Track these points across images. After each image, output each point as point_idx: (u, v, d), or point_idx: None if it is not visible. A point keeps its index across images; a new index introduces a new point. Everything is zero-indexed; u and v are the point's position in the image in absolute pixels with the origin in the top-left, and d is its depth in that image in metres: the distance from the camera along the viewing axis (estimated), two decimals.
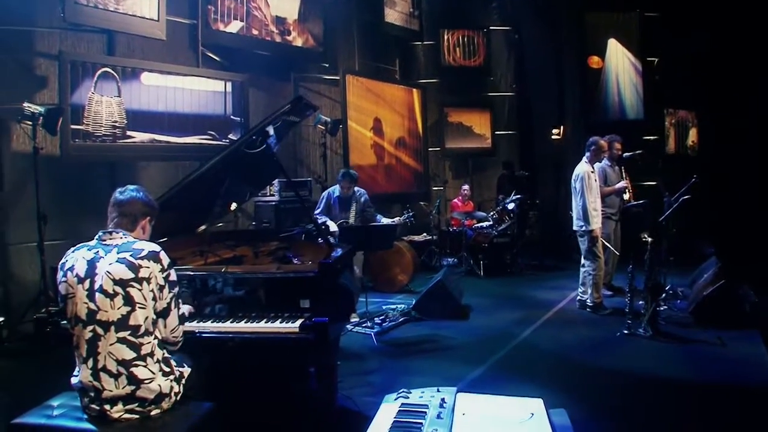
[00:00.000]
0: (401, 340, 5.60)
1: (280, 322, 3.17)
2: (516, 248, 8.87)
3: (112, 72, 5.97)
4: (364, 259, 6.81)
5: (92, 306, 2.51)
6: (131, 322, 2.52)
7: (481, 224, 9.02)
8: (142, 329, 2.54)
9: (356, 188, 6.46)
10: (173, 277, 2.70)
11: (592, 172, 6.16)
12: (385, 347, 5.40)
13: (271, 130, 3.89)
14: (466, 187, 9.77)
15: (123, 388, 2.50)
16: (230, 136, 7.24)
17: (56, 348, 3.43)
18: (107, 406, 2.51)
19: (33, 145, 5.11)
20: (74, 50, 5.97)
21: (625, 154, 6.39)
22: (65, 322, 2.74)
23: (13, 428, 2.62)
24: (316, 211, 6.42)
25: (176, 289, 2.72)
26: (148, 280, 2.56)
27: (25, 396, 3.18)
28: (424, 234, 9.62)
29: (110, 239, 2.63)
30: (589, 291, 6.14)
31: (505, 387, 4.31)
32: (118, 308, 2.50)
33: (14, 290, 5.51)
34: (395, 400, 2.03)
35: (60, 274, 2.62)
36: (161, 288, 2.62)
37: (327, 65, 9.19)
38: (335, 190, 6.43)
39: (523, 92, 10.84)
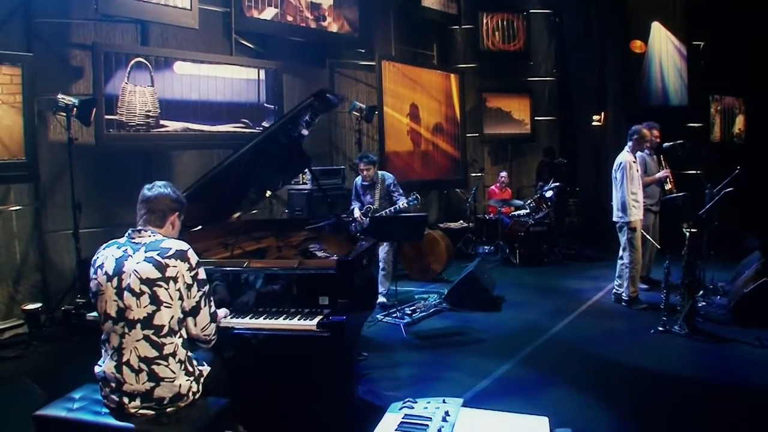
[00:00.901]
0: (430, 332, 5.54)
1: (299, 319, 3.16)
2: (553, 237, 8.65)
3: (145, 62, 6.03)
4: (398, 247, 6.76)
5: (121, 304, 2.54)
6: (155, 321, 2.53)
7: (518, 212, 8.84)
8: (166, 329, 2.55)
9: (381, 172, 6.44)
10: (202, 275, 2.68)
11: (634, 161, 5.92)
12: (414, 339, 5.34)
13: (305, 131, 3.86)
14: (503, 174, 9.58)
15: (143, 383, 2.53)
16: (264, 123, 7.23)
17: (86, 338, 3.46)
18: (126, 399, 2.55)
19: (68, 135, 5.20)
20: (109, 41, 6.06)
21: (666, 144, 6.10)
22: (93, 314, 2.77)
23: (36, 420, 2.68)
24: (352, 200, 6.51)
25: (206, 288, 2.70)
26: (175, 279, 2.56)
27: (55, 382, 3.23)
28: (461, 221, 9.51)
29: (139, 237, 2.64)
30: (626, 284, 5.93)
31: (531, 385, 4.22)
32: (144, 307, 2.52)
33: (51, 277, 5.68)
34: (399, 410, 1.98)
35: (91, 270, 2.66)
36: (189, 287, 2.62)
37: (363, 51, 9.10)
38: (360, 177, 6.44)
39: (564, 77, 10.51)
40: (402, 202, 6.21)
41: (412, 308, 6.17)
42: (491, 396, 4.04)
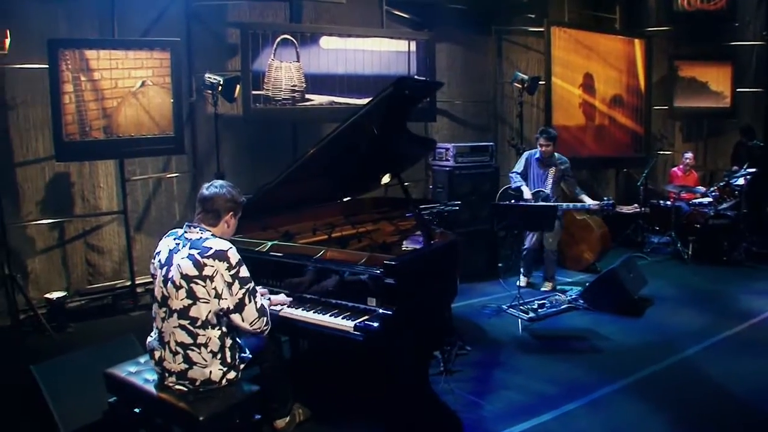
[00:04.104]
0: (550, 333, 5.12)
1: (342, 318, 3.10)
2: (738, 233, 7.29)
3: (291, 38, 6.24)
4: None
5: (165, 292, 2.74)
6: (192, 313, 2.68)
7: (700, 200, 7.63)
8: (201, 321, 2.69)
9: (558, 154, 6.08)
10: (244, 273, 2.75)
11: None
12: (528, 339, 4.99)
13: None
14: (688, 155, 8.29)
15: (179, 364, 2.73)
16: None
17: None
18: (166, 374, 2.79)
19: (214, 112, 5.60)
20: (261, 19, 6.39)
21: None
22: None
23: (106, 376, 3.03)
24: (514, 171, 6.21)
25: (249, 285, 2.77)
26: (212, 278, 2.66)
27: None
28: (635, 205, 8.50)
29: (189, 233, 2.80)
30: None
31: (622, 420, 3.63)
32: (181, 300, 2.69)
33: None
34: None
35: (154, 254, 2.89)
36: (230, 285, 2.70)
37: (533, 16, 8.45)
38: (537, 151, 6.11)
39: None
40: (589, 201, 5.82)
41: (541, 302, 5.73)
42: (568, 425, 3.58)
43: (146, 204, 6.04)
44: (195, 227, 2.80)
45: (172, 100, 5.41)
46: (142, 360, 3.10)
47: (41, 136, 5.27)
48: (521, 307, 5.47)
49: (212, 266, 2.66)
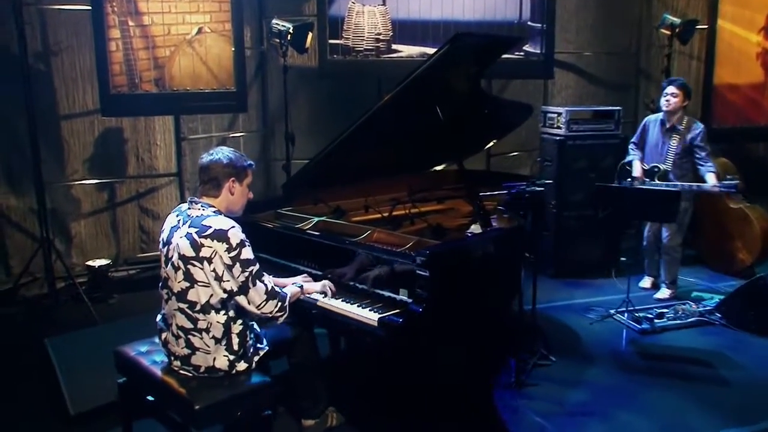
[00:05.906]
0: (663, 351, 4.85)
1: (369, 310, 3.19)
2: None
3: None
4: (694, 222, 6.10)
5: (165, 273, 3.01)
6: (190, 297, 2.90)
7: None
8: (200, 306, 2.90)
9: (690, 118, 5.66)
10: (246, 255, 2.90)
11: None
12: (631, 355, 4.80)
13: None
14: None
15: (182, 348, 2.98)
16: (526, 48, 6.93)
17: None
18: (171, 357, 3.06)
19: (283, 63, 5.75)
20: None
21: None
22: None
23: (115, 354, 3.32)
24: (632, 140, 5.97)
25: (253, 267, 2.92)
26: (209, 260, 2.85)
27: None
28: None
29: (192, 209, 3.00)
30: None
31: None
32: (179, 282, 2.91)
33: None
34: None
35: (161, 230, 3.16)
36: (230, 267, 2.87)
37: None
38: (660, 114, 5.75)
39: None
40: (712, 179, 5.39)
41: (663, 310, 5.46)
42: None
43: None
44: (197, 203, 2.98)
45: (233, 50, 5.64)
46: (156, 339, 3.33)
47: (90, 87, 5.69)
48: (635, 315, 5.27)
49: (210, 247, 2.82)
